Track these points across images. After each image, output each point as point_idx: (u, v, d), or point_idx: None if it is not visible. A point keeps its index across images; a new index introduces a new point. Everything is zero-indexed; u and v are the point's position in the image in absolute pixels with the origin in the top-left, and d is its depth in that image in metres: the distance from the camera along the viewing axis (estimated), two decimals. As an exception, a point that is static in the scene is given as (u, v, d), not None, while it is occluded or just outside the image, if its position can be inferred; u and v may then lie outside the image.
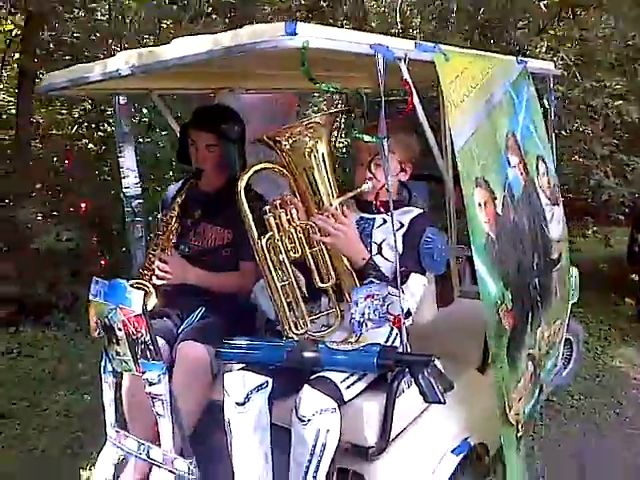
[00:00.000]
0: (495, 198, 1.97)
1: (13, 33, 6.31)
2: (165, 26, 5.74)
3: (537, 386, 2.39)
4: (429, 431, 2.02)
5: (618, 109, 4.04)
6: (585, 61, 4.11)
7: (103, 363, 1.82)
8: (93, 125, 5.81)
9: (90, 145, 5.90)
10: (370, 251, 1.95)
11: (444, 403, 1.72)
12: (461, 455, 2.02)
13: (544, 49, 4.24)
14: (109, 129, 5.42)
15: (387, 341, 1.92)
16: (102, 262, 3.92)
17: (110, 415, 1.89)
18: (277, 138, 1.83)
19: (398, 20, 8.36)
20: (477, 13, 4.65)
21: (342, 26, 8.90)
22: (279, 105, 3.11)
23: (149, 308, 2.16)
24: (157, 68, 1.61)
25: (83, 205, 3.98)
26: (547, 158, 2.58)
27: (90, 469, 2.84)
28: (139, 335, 1.65)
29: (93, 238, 4.70)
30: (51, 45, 5.37)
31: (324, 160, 1.87)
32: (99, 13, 5.76)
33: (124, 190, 2.45)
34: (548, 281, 2.44)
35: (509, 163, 2.15)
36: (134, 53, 1.68)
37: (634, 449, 3.01)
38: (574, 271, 3.47)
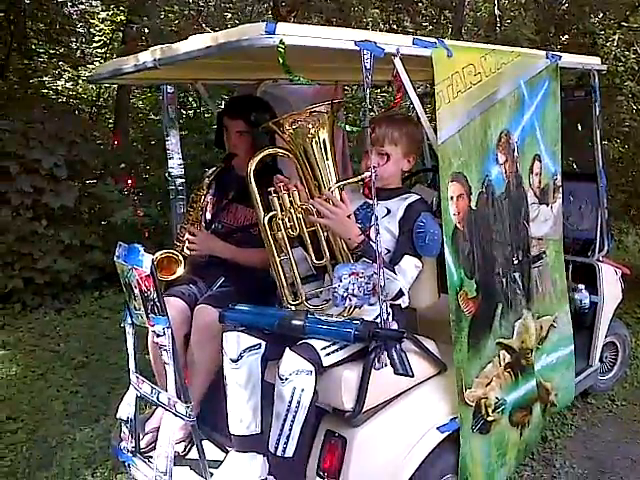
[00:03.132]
0: (471, 193, 2.06)
1: (118, 21, 6.96)
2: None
3: (525, 377, 2.45)
4: (417, 406, 2.14)
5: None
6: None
7: (124, 316, 2.11)
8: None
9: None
10: (368, 234, 2.10)
11: (412, 376, 1.85)
12: (446, 433, 2.12)
13: (615, 43, 4.07)
14: (190, 114, 5.83)
15: (376, 318, 2.05)
16: (146, 233, 4.30)
17: (132, 362, 2.18)
18: (281, 123, 2.01)
19: (497, 12, 8.29)
20: (554, 4, 4.54)
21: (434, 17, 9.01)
22: (326, 95, 3.28)
23: (177, 275, 2.44)
24: (171, 61, 1.86)
25: (130, 181, 4.38)
26: (549, 157, 2.60)
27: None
28: (149, 293, 1.91)
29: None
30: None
31: (325, 146, 2.03)
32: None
33: (169, 170, 2.74)
34: (528, 276, 2.50)
35: (497, 161, 2.22)
36: (157, 49, 1.93)
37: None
38: (618, 272, 3.40)
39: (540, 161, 2.60)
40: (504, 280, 2.36)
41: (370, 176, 1.85)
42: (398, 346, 1.84)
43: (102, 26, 8.29)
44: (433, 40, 1.99)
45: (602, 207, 3.19)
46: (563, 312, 2.83)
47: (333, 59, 2.27)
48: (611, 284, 3.33)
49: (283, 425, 1.88)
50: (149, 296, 1.92)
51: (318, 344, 1.91)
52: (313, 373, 1.86)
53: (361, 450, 1.98)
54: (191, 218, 2.53)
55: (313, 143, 2.01)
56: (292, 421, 1.86)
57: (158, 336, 1.94)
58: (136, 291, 1.97)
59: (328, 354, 1.91)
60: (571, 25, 4.36)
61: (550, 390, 2.73)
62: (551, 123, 2.63)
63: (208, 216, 2.69)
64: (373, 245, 2.04)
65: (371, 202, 2.18)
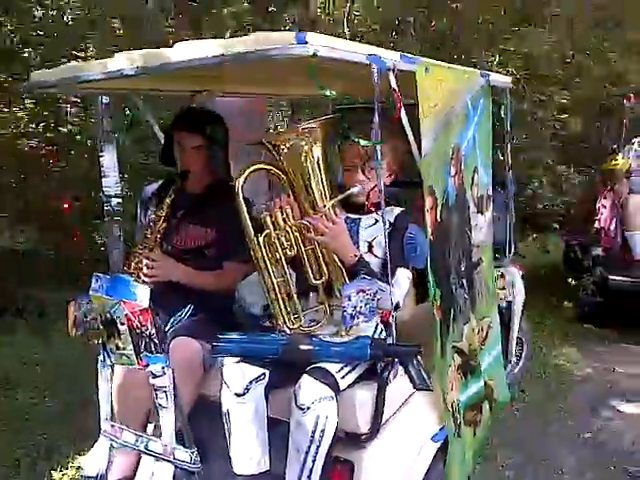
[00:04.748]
0: (437, 205, 2.15)
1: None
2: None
3: (473, 379, 2.58)
4: (411, 419, 2.14)
5: (563, 121, 4.34)
6: (531, 75, 4.39)
7: (101, 357, 1.84)
8: (43, 125, 5.70)
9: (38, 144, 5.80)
10: (358, 249, 2.06)
11: (432, 390, 1.85)
12: (439, 442, 2.15)
13: (495, 63, 4.50)
14: (64, 130, 5.30)
15: (374, 334, 2.03)
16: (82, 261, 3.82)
17: (105, 409, 1.91)
18: (275, 142, 1.91)
19: (346, 30, 8.56)
20: (429, 25, 4.86)
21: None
22: (254, 108, 3.19)
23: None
24: (161, 70, 1.67)
25: (66, 205, 3.86)
26: (483, 169, 2.80)
27: (61, 471, 2.82)
28: (144, 329, 1.69)
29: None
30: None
31: (318, 163, 1.97)
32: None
33: (104, 189, 2.46)
34: (472, 282, 2.67)
35: (450, 173, 2.34)
36: (136, 55, 1.72)
37: (573, 438, 3.30)
38: (519, 274, 3.73)
39: (477, 173, 2.78)
40: (457, 287, 2.47)
41: (375, 189, 1.83)
42: (415, 360, 1.82)
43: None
44: (413, 57, 2.03)
45: (510, 213, 3.48)
46: (494, 313, 3.03)
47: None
48: (519, 284, 3.64)
49: (305, 458, 1.76)
50: (143, 333, 1.70)
51: (332, 367, 1.83)
52: (334, 398, 1.77)
53: (369, 472, 1.93)
54: (148, 242, 2.28)
55: (307, 161, 1.94)
56: (316, 452, 1.75)
57: (155, 377, 1.72)
58: (122, 328, 1.73)
59: (343, 377, 1.84)
60: (451, 46, 4.72)
61: (493, 388, 2.90)
62: (485, 137, 2.82)
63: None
64: (372, 260, 2.03)
65: (354, 217, 2.19)
